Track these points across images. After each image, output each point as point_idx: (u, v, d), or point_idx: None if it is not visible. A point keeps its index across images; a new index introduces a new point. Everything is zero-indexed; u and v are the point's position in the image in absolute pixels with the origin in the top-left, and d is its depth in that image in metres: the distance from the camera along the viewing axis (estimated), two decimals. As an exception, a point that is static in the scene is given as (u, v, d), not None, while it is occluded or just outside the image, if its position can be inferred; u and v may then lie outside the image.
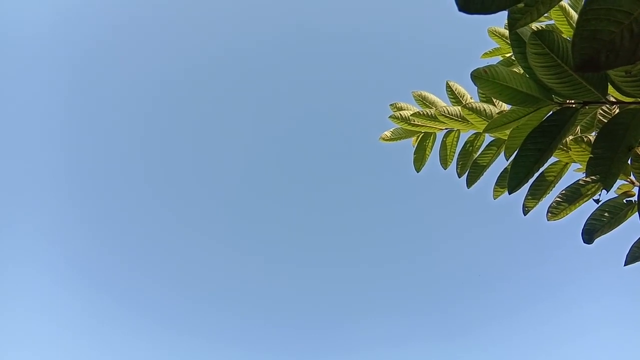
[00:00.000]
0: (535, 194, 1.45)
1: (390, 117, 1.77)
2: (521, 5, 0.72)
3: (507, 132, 1.28)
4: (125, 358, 9.02)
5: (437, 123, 1.66)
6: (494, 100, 1.51)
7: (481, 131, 1.55)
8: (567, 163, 1.43)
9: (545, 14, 1.67)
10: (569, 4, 1.53)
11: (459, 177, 1.74)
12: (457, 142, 1.76)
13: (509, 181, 1.13)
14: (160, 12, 8.98)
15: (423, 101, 1.74)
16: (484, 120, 1.44)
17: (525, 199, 1.46)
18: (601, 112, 1.19)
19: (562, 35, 1.27)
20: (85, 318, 9.24)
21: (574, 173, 1.47)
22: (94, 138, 9.73)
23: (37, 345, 8.61)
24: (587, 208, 1.38)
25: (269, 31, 9.68)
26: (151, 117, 9.94)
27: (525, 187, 1.37)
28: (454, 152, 1.77)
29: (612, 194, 1.34)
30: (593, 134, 1.31)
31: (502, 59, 1.93)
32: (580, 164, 1.38)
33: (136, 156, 9.98)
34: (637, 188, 1.30)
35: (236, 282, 10.22)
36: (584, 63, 0.53)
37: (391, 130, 1.86)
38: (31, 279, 8.99)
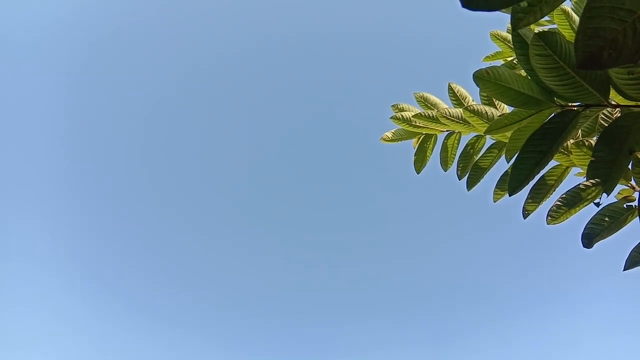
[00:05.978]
0: (536, 197, 1.45)
1: (391, 118, 1.77)
2: (524, 4, 0.72)
3: (508, 134, 1.28)
4: (126, 358, 9.01)
5: (438, 125, 1.66)
6: (496, 103, 1.51)
7: (482, 133, 1.55)
8: (567, 167, 1.43)
9: (548, 18, 1.68)
10: (571, 9, 1.53)
11: (460, 180, 1.73)
12: (458, 144, 1.76)
13: (510, 183, 1.12)
14: (162, 12, 9.00)
15: (425, 102, 1.74)
16: (486, 122, 1.44)
17: (525, 203, 1.46)
18: (602, 116, 1.19)
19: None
20: (87, 318, 9.23)
21: (575, 177, 1.47)
22: (96, 137, 9.74)
23: (38, 345, 8.59)
24: (586, 213, 1.38)
25: (270, 32, 9.70)
26: (152, 117, 9.95)
27: (526, 191, 1.37)
28: (455, 154, 1.77)
29: (612, 198, 1.34)
30: (594, 138, 1.31)
31: (503, 62, 1.93)
32: (581, 168, 1.38)
33: (139, 156, 9.99)
34: (638, 193, 1.30)
35: (236, 283, 10.21)
36: (587, 60, 0.53)
37: (392, 131, 1.86)
38: (33, 278, 8.98)
